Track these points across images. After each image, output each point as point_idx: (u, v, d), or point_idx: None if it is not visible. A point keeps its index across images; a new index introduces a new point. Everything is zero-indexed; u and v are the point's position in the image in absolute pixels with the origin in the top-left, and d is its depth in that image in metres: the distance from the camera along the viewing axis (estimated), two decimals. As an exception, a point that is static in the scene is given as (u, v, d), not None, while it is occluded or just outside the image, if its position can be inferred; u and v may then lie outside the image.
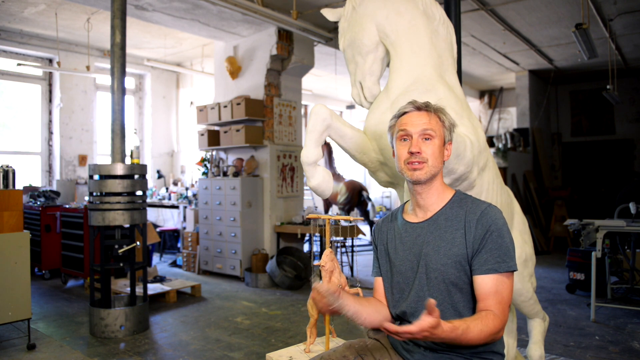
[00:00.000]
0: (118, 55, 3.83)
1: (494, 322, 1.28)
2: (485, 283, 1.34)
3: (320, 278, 1.78)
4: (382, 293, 1.58)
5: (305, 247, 6.67)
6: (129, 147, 4.07)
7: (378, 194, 11.85)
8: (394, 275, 1.52)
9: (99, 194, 3.73)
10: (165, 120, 8.76)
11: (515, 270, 1.36)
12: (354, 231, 5.49)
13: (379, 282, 1.60)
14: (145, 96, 8.58)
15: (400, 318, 1.52)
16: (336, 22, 2.23)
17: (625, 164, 9.18)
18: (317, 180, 1.88)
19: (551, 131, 9.90)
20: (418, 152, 1.40)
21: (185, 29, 5.79)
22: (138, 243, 4.00)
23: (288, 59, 5.94)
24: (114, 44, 3.83)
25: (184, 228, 6.91)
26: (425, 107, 1.44)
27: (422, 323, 1.11)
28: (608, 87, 6.97)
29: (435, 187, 1.46)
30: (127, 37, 3.96)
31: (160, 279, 5.13)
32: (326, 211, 7.28)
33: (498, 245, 1.35)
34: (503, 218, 1.41)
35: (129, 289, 4.17)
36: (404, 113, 1.46)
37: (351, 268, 5.85)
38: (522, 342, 3.31)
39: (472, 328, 1.24)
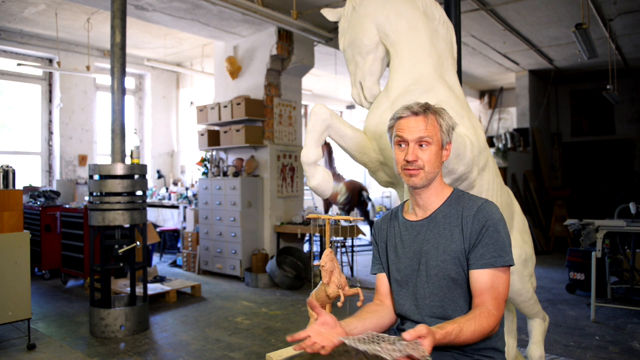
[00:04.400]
0: (118, 55, 3.83)
1: (487, 321, 1.30)
2: (482, 277, 1.36)
3: (320, 278, 1.78)
4: (384, 292, 1.58)
5: (305, 247, 6.67)
6: (129, 147, 4.07)
7: (378, 194, 11.85)
8: (394, 273, 1.53)
9: (99, 194, 3.73)
10: (165, 120, 8.76)
11: (511, 265, 1.37)
12: (354, 231, 5.49)
13: (380, 279, 1.60)
14: (145, 96, 8.58)
15: (402, 316, 1.53)
16: (336, 22, 2.23)
17: (625, 164, 9.18)
18: (317, 180, 1.88)
19: (551, 131, 9.90)
20: (414, 160, 1.40)
21: (185, 29, 5.79)
22: (138, 243, 4.00)
23: (288, 59, 5.94)
24: (114, 44, 3.84)
25: (184, 228, 6.91)
26: (422, 112, 1.43)
27: (416, 330, 1.13)
28: (608, 87, 6.97)
29: (435, 187, 1.48)
30: (127, 37, 3.96)
31: (160, 279, 5.13)
32: (326, 211, 7.28)
33: (494, 240, 1.36)
34: (500, 213, 1.42)
35: (129, 289, 4.17)
36: (401, 117, 1.45)
37: (351, 268, 5.86)
38: (522, 342, 3.31)
39: (464, 330, 1.26)
